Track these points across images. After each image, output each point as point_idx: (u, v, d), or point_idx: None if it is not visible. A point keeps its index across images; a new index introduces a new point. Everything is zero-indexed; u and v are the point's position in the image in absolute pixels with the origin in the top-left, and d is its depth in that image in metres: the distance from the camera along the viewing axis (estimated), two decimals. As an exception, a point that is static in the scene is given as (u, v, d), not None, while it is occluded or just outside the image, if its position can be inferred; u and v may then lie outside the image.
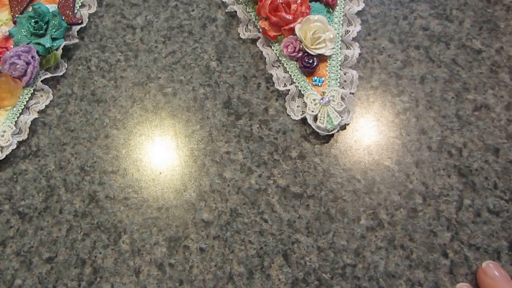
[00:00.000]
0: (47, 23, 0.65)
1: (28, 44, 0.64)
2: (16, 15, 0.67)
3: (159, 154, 0.61)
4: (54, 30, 0.64)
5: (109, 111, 0.63)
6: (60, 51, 0.64)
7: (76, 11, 0.67)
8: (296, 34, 0.64)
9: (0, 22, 0.67)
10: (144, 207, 0.58)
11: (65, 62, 0.66)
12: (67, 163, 0.61)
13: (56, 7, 0.67)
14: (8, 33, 0.65)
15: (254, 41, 0.67)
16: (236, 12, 0.68)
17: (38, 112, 0.63)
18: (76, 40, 0.67)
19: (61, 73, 0.65)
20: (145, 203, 0.58)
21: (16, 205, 0.59)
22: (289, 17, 0.64)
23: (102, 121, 0.63)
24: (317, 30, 0.63)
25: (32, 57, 0.62)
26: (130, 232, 0.57)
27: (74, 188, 0.59)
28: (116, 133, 0.62)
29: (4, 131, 0.60)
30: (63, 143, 0.62)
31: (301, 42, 0.63)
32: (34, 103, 0.63)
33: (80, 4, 0.68)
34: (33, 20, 0.64)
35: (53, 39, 0.64)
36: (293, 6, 0.64)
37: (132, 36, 0.67)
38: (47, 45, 0.63)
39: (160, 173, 0.59)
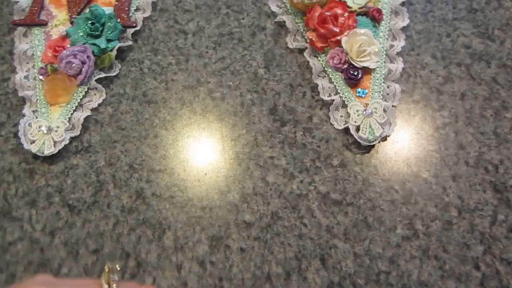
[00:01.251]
0: (103, 24, 0.68)
1: (84, 44, 0.66)
2: (74, 16, 0.70)
3: (205, 156, 0.64)
4: (109, 32, 0.67)
5: (159, 112, 0.66)
6: (114, 52, 0.68)
7: (131, 14, 0.70)
8: (342, 46, 0.66)
9: (58, 22, 0.71)
10: (188, 206, 0.61)
11: (118, 63, 0.69)
12: (116, 160, 0.63)
13: (112, 10, 0.70)
14: (65, 33, 0.69)
15: (301, 51, 0.69)
16: (284, 22, 0.70)
17: (91, 109, 0.66)
18: (130, 43, 0.69)
19: (114, 74, 0.68)
20: (189, 202, 0.61)
21: (66, 198, 0.62)
22: (337, 29, 0.66)
23: (152, 121, 0.65)
24: (363, 44, 0.65)
25: (88, 57, 0.65)
26: (174, 229, 0.60)
27: (122, 184, 0.62)
28: (165, 133, 0.65)
29: (58, 127, 0.64)
30: (114, 141, 0.65)
31: (347, 54, 0.65)
32: (88, 101, 0.66)
33: (135, 7, 0.71)
34: (89, 22, 0.67)
35: (108, 41, 0.67)
36: (341, 19, 0.66)
37: (184, 41, 0.70)
38: (103, 46, 0.66)
39: (206, 174, 0.62)
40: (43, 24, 0.70)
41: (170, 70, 0.68)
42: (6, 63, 0.70)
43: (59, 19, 0.70)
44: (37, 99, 0.66)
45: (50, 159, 0.64)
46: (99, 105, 0.67)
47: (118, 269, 0.48)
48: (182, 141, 0.64)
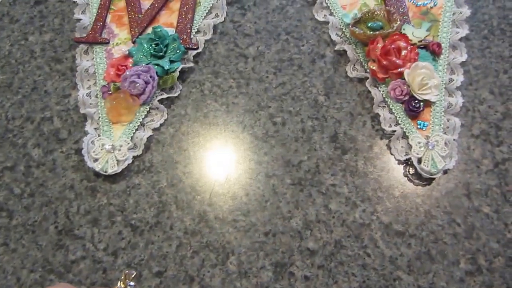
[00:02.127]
0: (166, 46, 0.68)
1: (147, 64, 0.67)
2: (135, 36, 0.70)
3: (268, 180, 0.64)
4: (173, 53, 0.68)
5: (220, 134, 0.66)
6: (177, 74, 0.68)
7: (192, 36, 0.70)
8: (403, 78, 0.67)
9: (119, 41, 0.71)
10: (251, 231, 0.61)
11: (179, 84, 0.69)
12: (178, 181, 0.64)
13: (174, 31, 0.70)
14: (127, 52, 0.69)
15: (360, 80, 0.70)
16: (344, 51, 0.71)
17: (152, 129, 0.66)
18: (192, 64, 0.70)
19: (176, 94, 0.68)
20: (253, 227, 0.61)
21: (129, 218, 0.62)
22: (399, 62, 0.66)
23: (214, 143, 0.66)
24: (425, 77, 0.66)
25: (151, 77, 0.65)
26: (238, 254, 0.60)
27: (185, 206, 0.62)
28: (226, 157, 0.65)
29: (121, 146, 0.64)
30: (176, 161, 0.65)
31: (408, 86, 0.66)
32: (149, 121, 0.67)
33: (195, 30, 0.71)
34: (153, 42, 0.68)
35: (171, 62, 0.67)
36: (404, 52, 0.67)
37: (244, 65, 0.71)
38: (166, 67, 0.67)
39: (268, 200, 0.62)
40: (105, 42, 0.70)
41: (231, 93, 0.68)
42: (67, 79, 0.70)
43: (120, 38, 0.70)
44: (99, 117, 0.65)
45: (112, 178, 0.63)
46: (161, 125, 0.67)
47: (134, 274, 0.49)
48: (244, 164, 0.64)
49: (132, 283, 0.48)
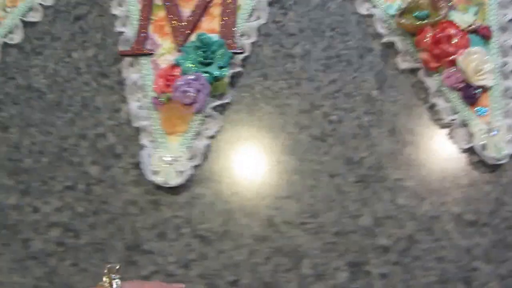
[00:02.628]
0: (213, 52, 0.67)
1: (196, 72, 0.65)
2: (180, 44, 0.69)
3: (331, 180, 0.64)
4: (220, 59, 0.66)
5: (277, 137, 0.65)
6: (227, 79, 0.66)
7: (236, 40, 0.69)
8: (456, 65, 0.65)
9: (164, 51, 0.70)
10: (321, 232, 0.60)
11: (230, 89, 0.68)
12: (241, 188, 0.63)
13: (218, 36, 0.69)
14: (174, 62, 0.68)
15: (411, 71, 0.69)
16: (391, 42, 0.70)
17: (208, 137, 0.65)
18: (240, 69, 0.68)
19: (228, 100, 0.67)
20: (322, 228, 0.60)
21: (196, 229, 0.61)
22: (451, 49, 0.65)
23: (272, 146, 0.64)
24: (479, 62, 0.64)
25: (202, 84, 0.64)
26: (310, 257, 0.59)
27: (251, 212, 0.61)
28: (286, 159, 0.64)
29: (180, 156, 0.63)
30: (236, 168, 0.65)
31: (463, 73, 0.65)
32: (205, 129, 0.65)
33: (239, 33, 0.70)
34: (200, 50, 0.66)
35: (219, 68, 0.66)
36: (454, 39, 0.66)
37: (292, 65, 0.70)
38: (215, 73, 0.65)
39: (334, 200, 0.61)
40: (150, 53, 0.69)
41: (283, 94, 0.67)
42: (115, 94, 0.69)
43: (164, 48, 0.69)
44: (153, 129, 0.64)
45: (174, 189, 0.63)
46: (217, 132, 0.65)
47: (117, 267, 0.49)
48: (305, 165, 0.63)
49: (116, 277, 0.47)
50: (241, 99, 0.68)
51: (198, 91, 0.64)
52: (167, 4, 0.72)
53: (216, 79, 0.66)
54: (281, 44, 0.71)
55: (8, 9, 0.73)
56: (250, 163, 0.64)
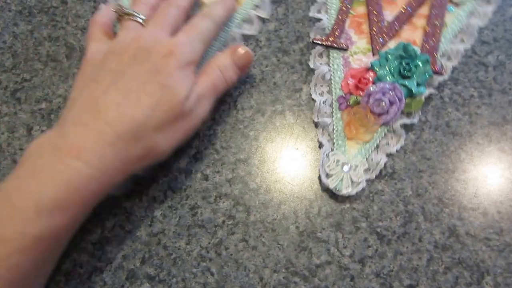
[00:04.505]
0: (416, 66, 0.63)
1: (392, 83, 0.62)
2: (377, 48, 0.66)
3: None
4: (420, 76, 0.62)
5: (465, 145, 0.62)
6: (423, 99, 0.63)
7: (437, 60, 0.65)
8: None
9: (357, 49, 0.67)
10: (506, 251, 0.56)
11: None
12: (424, 191, 0.60)
13: (418, 50, 0.65)
14: (369, 64, 0.64)
15: None
16: None
17: (387, 154, 0.61)
18: (434, 91, 0.65)
19: (415, 121, 0.63)
20: (507, 247, 0.57)
21: (373, 225, 0.58)
22: None
23: (459, 154, 0.61)
24: None
25: (398, 97, 0.60)
26: (493, 274, 0.55)
27: (433, 218, 0.58)
28: (472, 168, 0.61)
29: (357, 166, 0.59)
30: (419, 170, 0.61)
31: None
32: (385, 144, 0.62)
33: (441, 53, 0.66)
34: (403, 60, 0.63)
35: (417, 85, 0.62)
36: None
37: (484, 74, 0.66)
38: (414, 89, 0.62)
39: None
40: (344, 48, 0.66)
41: (473, 103, 0.64)
42: (296, 73, 0.66)
43: (358, 47, 0.66)
44: (333, 129, 0.61)
45: (353, 181, 0.59)
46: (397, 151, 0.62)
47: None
48: (494, 180, 0.61)
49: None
50: (428, 100, 0.67)
51: (392, 103, 0.60)
52: (370, 1, 0.68)
53: (411, 95, 0.62)
54: (474, 50, 0.69)
55: None
56: (434, 167, 0.63)
